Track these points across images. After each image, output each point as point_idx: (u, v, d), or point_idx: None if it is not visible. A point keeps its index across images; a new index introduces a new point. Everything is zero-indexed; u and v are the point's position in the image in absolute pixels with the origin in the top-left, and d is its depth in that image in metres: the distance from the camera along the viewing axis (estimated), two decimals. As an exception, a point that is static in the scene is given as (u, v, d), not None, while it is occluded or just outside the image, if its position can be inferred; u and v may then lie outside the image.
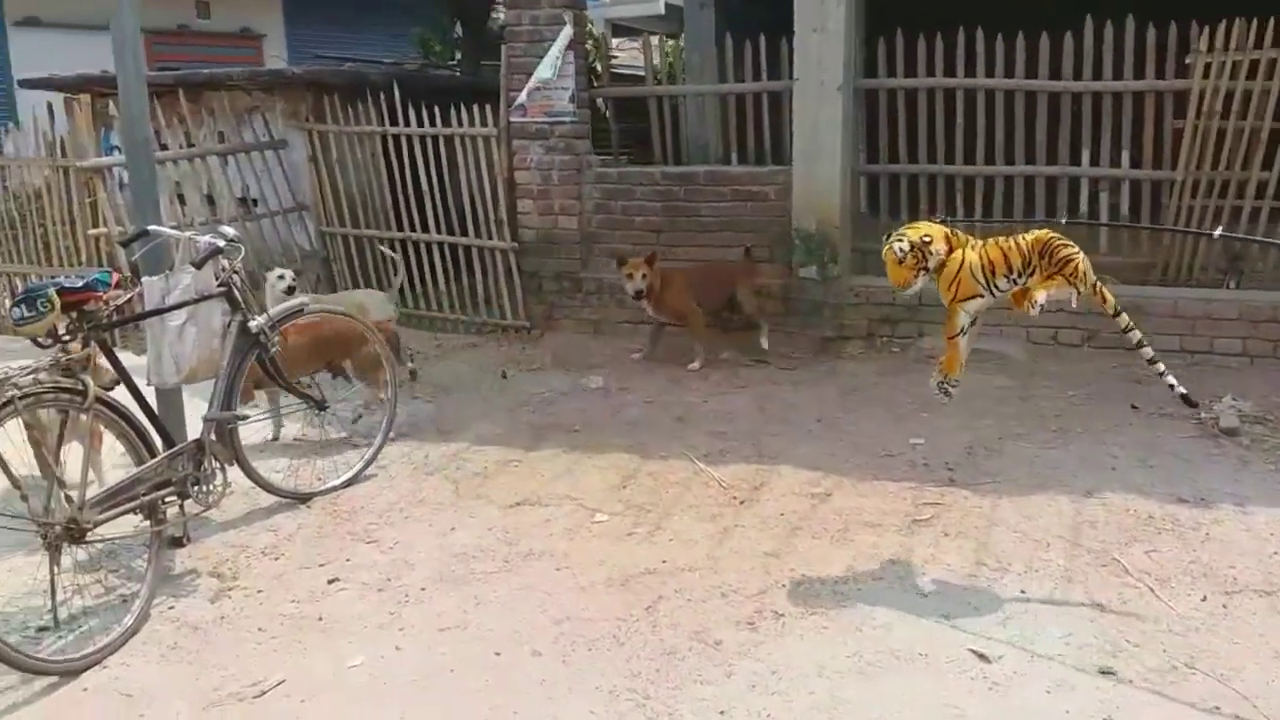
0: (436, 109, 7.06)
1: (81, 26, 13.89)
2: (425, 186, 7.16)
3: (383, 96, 7.14)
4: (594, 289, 7.04)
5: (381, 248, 6.82)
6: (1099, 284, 3.51)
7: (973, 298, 3.57)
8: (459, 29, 11.54)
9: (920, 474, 4.34)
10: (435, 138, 7.10)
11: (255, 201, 7.43)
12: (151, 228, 3.90)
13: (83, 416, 3.16)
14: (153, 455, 3.41)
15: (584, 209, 7.03)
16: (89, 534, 3.09)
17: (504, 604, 3.36)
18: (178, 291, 3.75)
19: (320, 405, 4.32)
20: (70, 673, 2.97)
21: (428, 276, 7.34)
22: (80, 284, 3.21)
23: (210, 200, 7.10)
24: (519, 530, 3.94)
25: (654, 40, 8.16)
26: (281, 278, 6.02)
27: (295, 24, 16.43)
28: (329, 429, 4.60)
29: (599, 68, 9.40)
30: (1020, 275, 3.52)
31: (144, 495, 3.33)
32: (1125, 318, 3.54)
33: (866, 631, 3.12)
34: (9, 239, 6.82)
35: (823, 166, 6.30)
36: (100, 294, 3.27)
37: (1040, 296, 3.47)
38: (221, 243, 3.75)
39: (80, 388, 3.15)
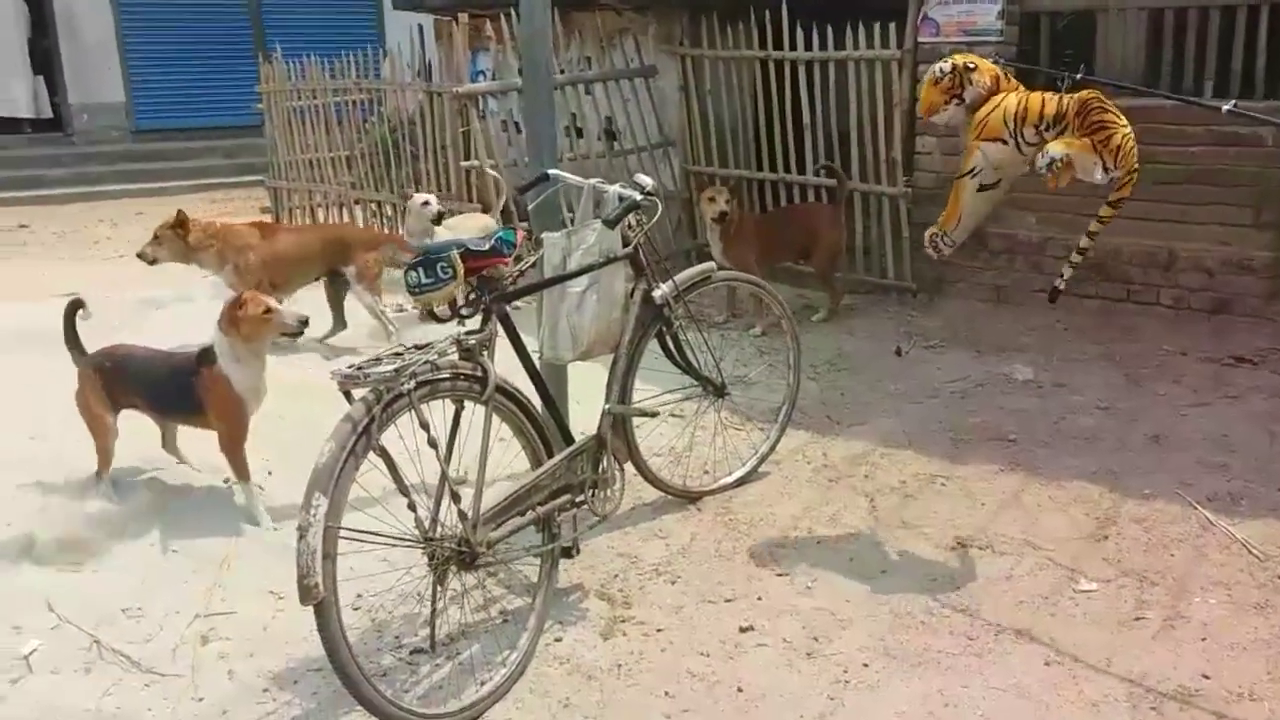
0: (830, 29, 6.08)
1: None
2: (807, 120, 6.25)
3: (768, 16, 6.26)
4: (1001, 248, 5.89)
5: (486, 167, 6.09)
6: (1135, 173, 3.18)
7: (994, 140, 3.33)
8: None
9: None
10: (824, 63, 6.14)
11: (616, 134, 6.87)
12: (552, 172, 3.29)
13: (480, 409, 2.59)
14: (550, 455, 2.81)
15: (998, 150, 5.82)
16: (481, 558, 2.53)
17: (985, 711, 2.47)
18: (580, 252, 3.11)
19: (719, 391, 3.59)
20: (453, 728, 2.44)
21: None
22: (486, 246, 2.62)
23: (577, 133, 6.60)
24: (974, 588, 3.02)
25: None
26: (427, 204, 5.54)
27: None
28: (724, 416, 3.87)
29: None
30: (1049, 128, 3.24)
31: (540, 505, 2.75)
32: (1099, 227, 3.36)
33: None
34: (381, 166, 6.71)
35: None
36: (505, 257, 2.67)
37: (1052, 150, 3.15)
38: (638, 196, 3.06)
39: (480, 374, 2.57)
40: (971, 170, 3.52)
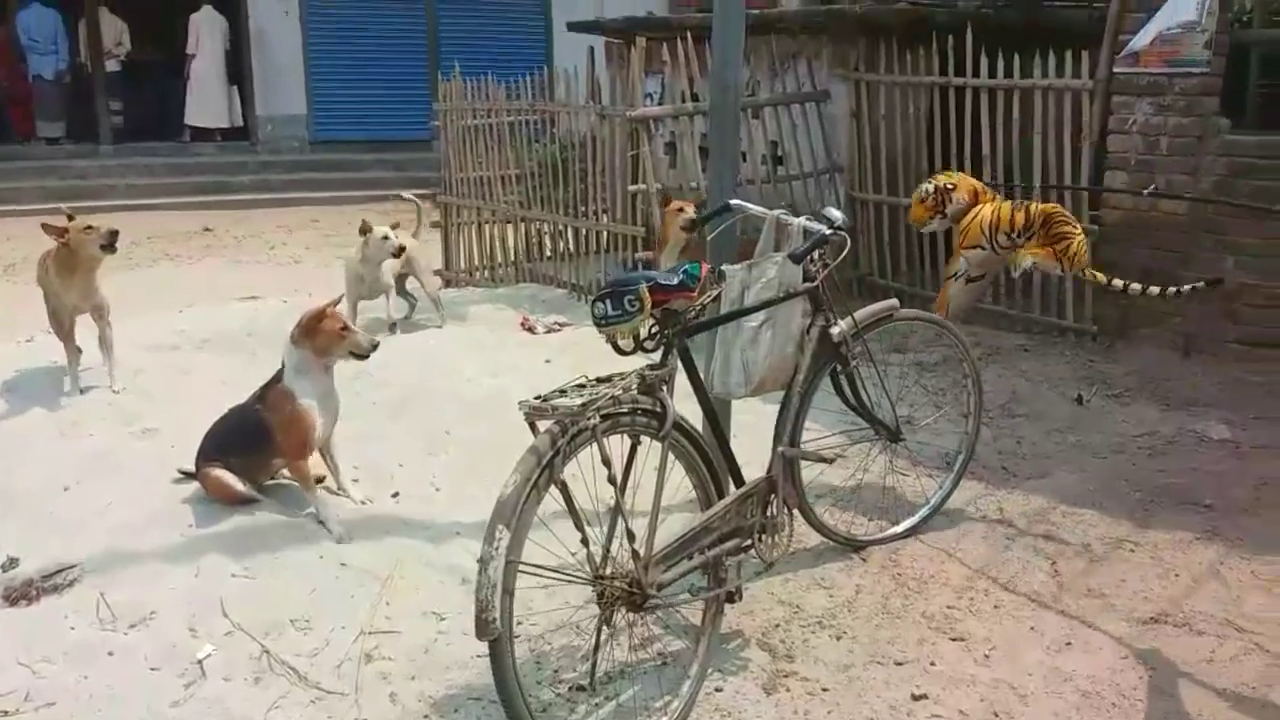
0: (1016, 56, 5.81)
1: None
2: (986, 150, 5.98)
3: (950, 40, 6.03)
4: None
5: (404, 193, 6.23)
6: (1090, 271, 4.48)
7: (974, 248, 4.31)
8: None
9: None
10: (1008, 91, 5.86)
11: (782, 159, 6.75)
12: (734, 202, 3.22)
13: (657, 446, 2.53)
14: (721, 496, 2.72)
15: (1198, 187, 5.42)
16: (651, 600, 2.46)
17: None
18: (759, 286, 3.02)
19: (894, 435, 3.42)
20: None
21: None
22: (675, 281, 2.56)
23: (740, 156, 6.50)
24: (1170, 671, 2.77)
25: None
26: (387, 238, 5.49)
27: (813, -34, 15.80)
28: (897, 462, 3.71)
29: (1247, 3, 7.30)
30: (1019, 236, 4.24)
31: (709, 548, 2.66)
32: (1118, 281, 4.58)
33: None
34: (549, 185, 6.78)
35: None
36: (691, 290, 2.61)
37: (1024, 261, 4.28)
38: (826, 230, 2.95)
39: (660, 410, 2.52)
40: (954, 274, 4.43)
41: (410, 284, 6.07)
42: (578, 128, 6.60)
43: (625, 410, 2.43)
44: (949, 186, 4.39)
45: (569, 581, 2.41)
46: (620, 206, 6.06)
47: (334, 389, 3.57)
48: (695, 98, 6.30)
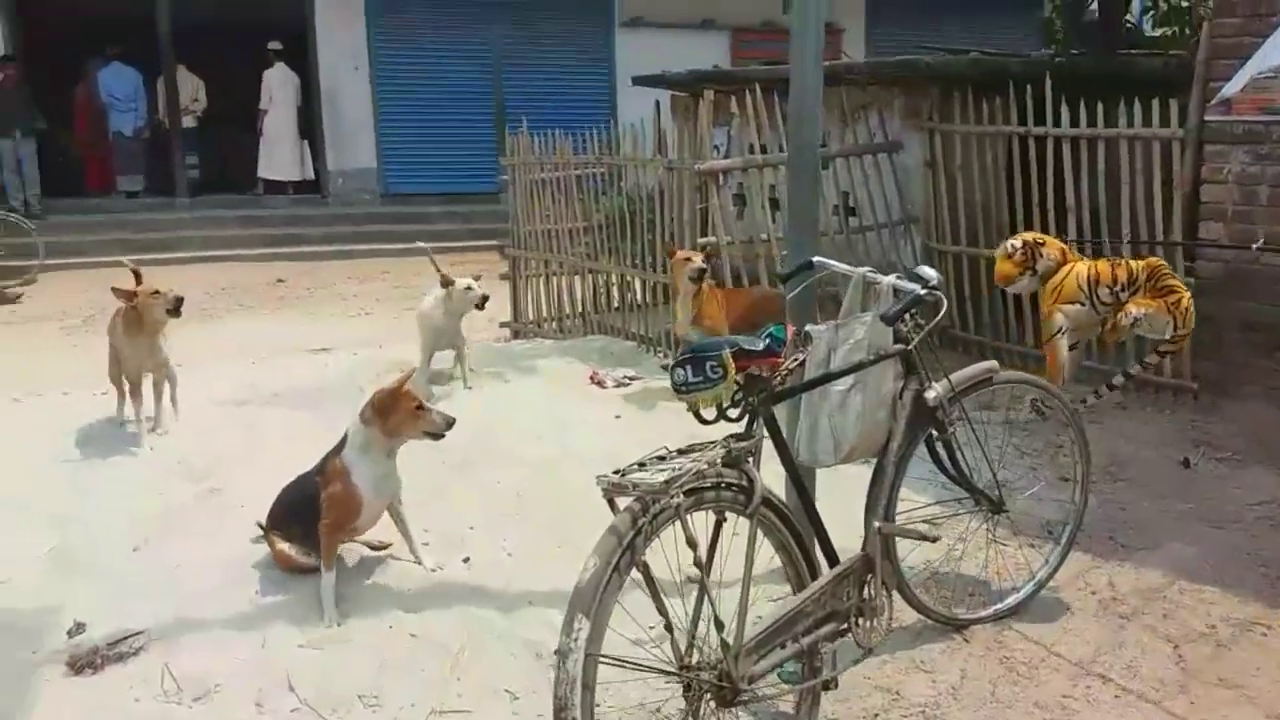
0: (1100, 106, 5.59)
1: (681, 26, 14.54)
2: (1071, 201, 5.74)
3: (1029, 90, 5.83)
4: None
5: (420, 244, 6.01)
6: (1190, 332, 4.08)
7: (1071, 302, 4.12)
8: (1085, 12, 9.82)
9: None
10: (1092, 140, 5.64)
11: (855, 210, 6.58)
12: (817, 260, 3.06)
13: (745, 523, 2.35)
14: (813, 575, 2.53)
15: (1302, 240, 5.12)
16: (742, 694, 2.26)
17: None
18: (848, 347, 2.84)
19: (996, 506, 3.19)
20: None
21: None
22: (761, 346, 2.40)
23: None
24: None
25: None
26: (470, 288, 5.27)
27: (877, 18, 15.74)
28: (999, 534, 3.47)
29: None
30: (1123, 290, 4.05)
31: (804, 635, 2.46)
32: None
33: None
34: (616, 238, 6.70)
35: None
36: (778, 355, 2.45)
37: (1133, 309, 3.99)
38: (920, 290, 2.77)
39: (746, 484, 2.34)
40: (1059, 330, 4.18)
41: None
42: (645, 181, 6.52)
43: (710, 485, 2.27)
44: (1038, 242, 4.25)
45: (653, 673, 2.23)
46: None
47: (394, 470, 3.38)
48: (764, 149, 6.19)
